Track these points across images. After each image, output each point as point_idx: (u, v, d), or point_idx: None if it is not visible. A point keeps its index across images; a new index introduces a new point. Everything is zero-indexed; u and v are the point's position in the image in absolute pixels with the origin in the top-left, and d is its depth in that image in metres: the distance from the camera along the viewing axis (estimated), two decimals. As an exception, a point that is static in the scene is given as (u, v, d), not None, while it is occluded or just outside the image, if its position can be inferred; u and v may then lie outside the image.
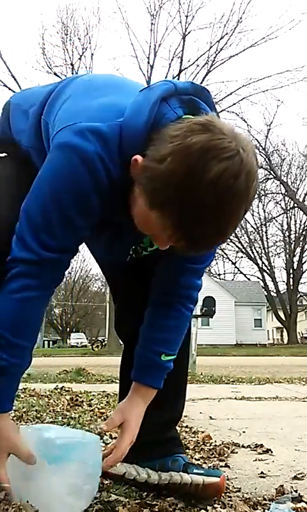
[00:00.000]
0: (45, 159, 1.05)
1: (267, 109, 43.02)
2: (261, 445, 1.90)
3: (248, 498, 1.29)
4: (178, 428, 2.20)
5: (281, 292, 35.71)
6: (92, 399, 3.19)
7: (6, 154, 1.20)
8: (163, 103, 0.95)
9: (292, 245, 34.98)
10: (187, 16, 20.86)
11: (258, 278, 36.90)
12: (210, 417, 2.68)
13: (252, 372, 7.02)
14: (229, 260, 39.05)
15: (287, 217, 34.65)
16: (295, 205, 32.10)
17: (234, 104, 21.81)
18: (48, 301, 1.12)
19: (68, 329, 46.79)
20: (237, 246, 35.77)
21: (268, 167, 29.47)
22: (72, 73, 19.88)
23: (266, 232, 35.58)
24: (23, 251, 1.01)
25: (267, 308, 35.76)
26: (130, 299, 1.39)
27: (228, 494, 1.32)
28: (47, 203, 0.99)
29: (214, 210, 0.86)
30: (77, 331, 45.36)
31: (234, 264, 39.46)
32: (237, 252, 36.98)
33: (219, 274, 41.04)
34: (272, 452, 1.84)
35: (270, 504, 1.23)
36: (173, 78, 20.36)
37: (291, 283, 34.84)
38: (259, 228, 35.12)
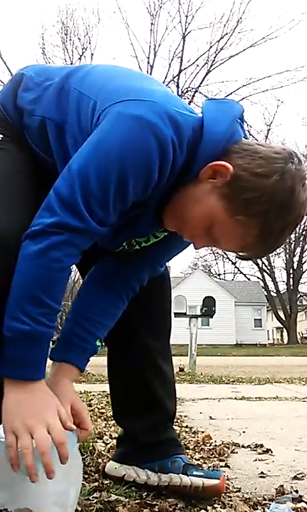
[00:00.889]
0: (60, 133, 1.05)
1: (267, 109, 42.97)
2: (261, 445, 1.90)
3: (248, 498, 1.30)
4: (178, 428, 2.21)
5: (281, 292, 35.70)
6: (92, 399, 3.19)
7: (1, 136, 1.14)
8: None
9: (292, 245, 34.97)
10: (186, 16, 20.83)
11: (258, 278, 36.93)
12: (210, 417, 2.68)
13: (252, 372, 7.02)
14: (229, 260, 39.04)
15: (287, 217, 34.62)
16: (295, 205, 32.08)
17: (234, 104, 21.74)
18: None
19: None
20: (237, 246, 35.70)
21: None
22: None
23: (266, 232, 35.53)
24: (74, 219, 0.95)
25: (267, 308, 35.75)
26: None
27: (228, 494, 1.32)
28: (110, 173, 0.94)
29: (290, 229, 1.03)
30: (77, 331, 45.03)
31: (234, 263, 39.44)
32: (237, 252, 36.95)
33: (219, 274, 41.11)
34: (272, 452, 1.84)
35: (270, 504, 1.23)
36: (173, 78, 20.44)
37: (291, 283, 34.84)
38: (260, 228, 35.05)
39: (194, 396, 3.58)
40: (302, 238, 34.53)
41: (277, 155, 0.99)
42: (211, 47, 20.77)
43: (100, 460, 1.56)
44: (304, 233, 34.27)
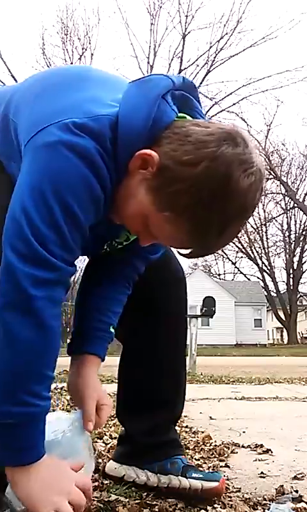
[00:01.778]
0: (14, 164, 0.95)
1: (267, 109, 42.86)
2: (261, 445, 1.90)
3: (248, 498, 1.29)
4: (178, 428, 2.21)
5: (281, 292, 35.71)
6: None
7: None
8: (161, 99, 0.92)
9: (292, 245, 34.99)
10: (186, 16, 20.85)
11: (258, 278, 36.94)
12: (210, 417, 2.68)
13: (252, 372, 7.02)
14: (229, 260, 39.13)
15: (287, 217, 34.68)
16: (295, 205, 32.10)
17: (234, 104, 21.74)
18: None
19: (68, 329, 46.49)
20: (237, 246, 35.75)
21: (268, 167, 29.42)
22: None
23: (266, 232, 35.61)
24: (46, 271, 0.85)
25: (267, 308, 35.75)
26: None
27: (228, 494, 1.32)
28: (53, 211, 0.85)
29: (236, 223, 0.90)
30: (77, 331, 45.21)
31: (234, 264, 39.53)
32: (237, 252, 37.00)
33: (219, 274, 41.11)
34: (272, 452, 1.84)
35: (270, 504, 1.23)
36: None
37: (291, 283, 34.84)
38: (259, 228, 35.11)
39: (194, 396, 3.58)
40: (302, 238, 34.54)
41: (208, 137, 0.87)
42: (211, 47, 20.81)
43: (100, 460, 1.56)
44: (304, 233, 34.30)
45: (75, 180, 0.87)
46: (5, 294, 0.86)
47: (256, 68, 46.73)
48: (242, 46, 22.48)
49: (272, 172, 29.82)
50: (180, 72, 20.83)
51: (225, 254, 37.51)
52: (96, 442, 1.84)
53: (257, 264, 35.82)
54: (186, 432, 2.20)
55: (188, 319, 7.33)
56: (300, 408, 3.12)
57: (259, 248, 35.82)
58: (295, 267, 34.61)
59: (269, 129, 28.64)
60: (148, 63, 21.32)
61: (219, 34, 20.81)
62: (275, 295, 35.69)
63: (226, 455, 1.77)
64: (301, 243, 34.75)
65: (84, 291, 1.22)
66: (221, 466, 1.63)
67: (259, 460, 1.73)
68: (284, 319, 34.59)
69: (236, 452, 1.84)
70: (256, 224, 34.80)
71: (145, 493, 1.29)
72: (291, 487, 1.36)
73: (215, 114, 20.36)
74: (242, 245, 35.55)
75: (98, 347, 1.15)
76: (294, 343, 31.64)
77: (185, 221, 0.89)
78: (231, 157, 0.86)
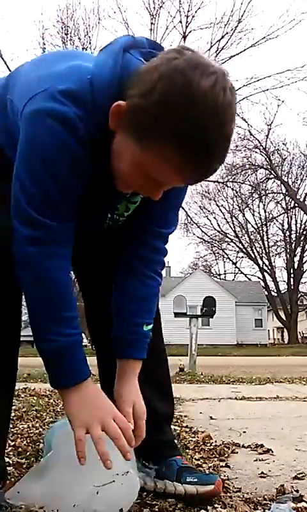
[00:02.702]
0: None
1: (268, 108, 43.03)
2: (262, 445, 1.90)
3: (248, 498, 1.29)
4: (178, 428, 2.21)
5: (282, 292, 35.70)
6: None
7: None
8: (126, 53, 0.97)
9: (293, 245, 34.98)
10: (187, 16, 20.86)
11: (259, 277, 36.93)
12: (210, 417, 2.68)
13: (252, 372, 7.02)
14: (230, 260, 39.09)
15: (288, 217, 34.67)
16: (296, 204, 32.10)
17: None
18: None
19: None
20: (238, 246, 35.84)
21: (269, 166, 29.46)
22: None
23: (266, 232, 35.60)
24: (36, 230, 0.99)
25: (268, 308, 35.73)
26: (101, 300, 1.33)
27: (228, 494, 1.32)
28: (39, 173, 0.97)
29: (212, 123, 0.87)
30: (77, 331, 45.13)
31: (234, 263, 39.48)
32: (238, 252, 37.04)
33: (220, 274, 41.08)
34: (272, 452, 1.83)
35: (270, 504, 1.23)
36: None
37: (291, 283, 34.83)
38: (260, 228, 35.15)
39: (194, 396, 3.58)
40: (302, 238, 34.53)
41: (157, 60, 0.90)
42: (211, 46, 20.80)
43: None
44: (304, 232, 34.29)
45: (58, 144, 0.95)
46: (14, 254, 1.02)
47: (257, 67, 46.86)
48: (243, 46, 22.49)
49: (272, 172, 29.83)
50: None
51: (225, 254, 37.58)
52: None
53: (258, 264, 35.84)
54: (186, 432, 2.20)
55: (188, 319, 7.30)
56: (300, 408, 3.12)
57: (260, 247, 35.85)
58: (295, 267, 34.61)
59: (270, 129, 28.67)
60: (149, 62, 21.31)
61: (220, 33, 20.86)
62: (275, 295, 35.68)
63: (226, 455, 1.77)
64: (302, 243, 34.74)
65: (115, 290, 1.23)
66: (221, 466, 1.63)
67: (259, 460, 1.73)
68: (284, 318, 34.58)
69: (237, 452, 1.84)
70: (256, 224, 34.89)
71: (145, 493, 1.29)
72: (292, 487, 1.36)
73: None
74: (242, 245, 35.60)
75: (136, 351, 1.19)
76: (295, 343, 31.63)
77: (170, 145, 0.88)
78: (183, 64, 0.87)
